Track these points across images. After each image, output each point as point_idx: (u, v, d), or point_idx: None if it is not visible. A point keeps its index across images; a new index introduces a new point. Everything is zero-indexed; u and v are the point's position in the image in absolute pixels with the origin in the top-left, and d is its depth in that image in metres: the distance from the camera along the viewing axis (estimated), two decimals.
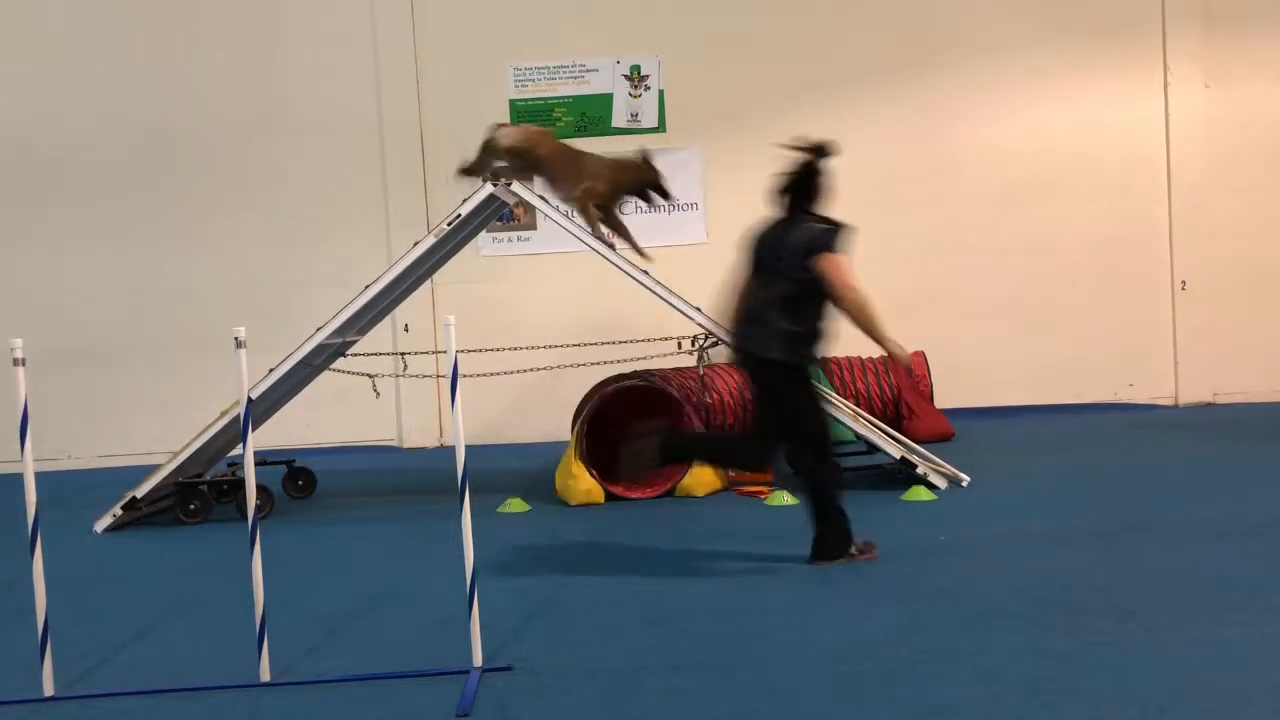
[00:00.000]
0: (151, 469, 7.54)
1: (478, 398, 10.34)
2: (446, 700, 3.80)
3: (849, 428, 7.36)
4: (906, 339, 10.02)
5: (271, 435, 8.57)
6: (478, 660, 4.07)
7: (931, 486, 7.02)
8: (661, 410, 7.63)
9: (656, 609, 4.81)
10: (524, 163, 7.31)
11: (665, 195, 7.45)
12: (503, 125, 7.77)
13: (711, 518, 6.80)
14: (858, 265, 10.42)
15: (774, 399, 5.37)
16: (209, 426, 7.34)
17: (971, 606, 4.62)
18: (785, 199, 5.50)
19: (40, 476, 4.19)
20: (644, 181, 7.36)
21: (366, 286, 7.27)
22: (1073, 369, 10.77)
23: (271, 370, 7.19)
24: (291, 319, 9.04)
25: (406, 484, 8.87)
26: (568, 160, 7.40)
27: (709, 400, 8.93)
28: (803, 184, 5.47)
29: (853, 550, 5.38)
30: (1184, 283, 10.75)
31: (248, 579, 4.09)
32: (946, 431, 9.39)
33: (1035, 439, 9.36)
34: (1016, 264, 10.74)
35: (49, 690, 4.04)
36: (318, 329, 7.20)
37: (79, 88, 10.76)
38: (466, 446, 4.14)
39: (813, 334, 5.39)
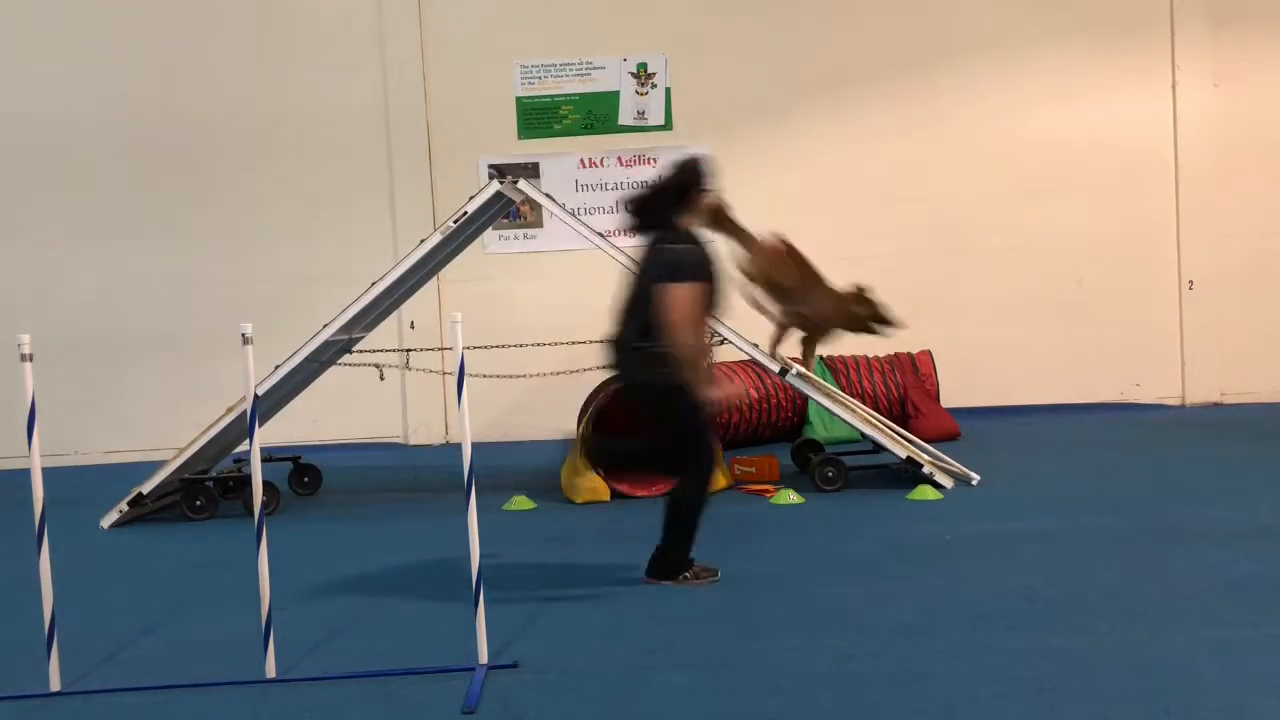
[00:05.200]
0: (158, 465, 7.55)
1: (483, 395, 10.37)
2: (452, 697, 3.80)
3: (855, 426, 7.36)
4: (913, 338, 10.14)
5: (278, 431, 8.59)
6: (483, 657, 4.07)
7: (938, 486, 7.01)
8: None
9: (662, 606, 4.81)
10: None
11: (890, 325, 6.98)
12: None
13: (717, 516, 6.76)
14: (869, 262, 10.48)
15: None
16: (215, 423, 7.34)
17: (978, 606, 4.61)
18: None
19: (46, 473, 4.20)
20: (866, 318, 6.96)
21: (373, 283, 7.27)
22: (1079, 368, 10.75)
23: (278, 367, 7.19)
24: (297, 315, 9.06)
25: (412, 481, 8.87)
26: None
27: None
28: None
29: (688, 575, 5.14)
30: (1191, 282, 10.72)
31: (253, 575, 4.09)
32: (952, 431, 9.37)
33: (1041, 438, 9.33)
34: (1023, 262, 10.72)
35: (55, 685, 4.05)
36: (324, 325, 7.19)
37: (86, 83, 10.77)
38: (472, 444, 4.14)
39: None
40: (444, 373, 10.17)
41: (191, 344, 10.57)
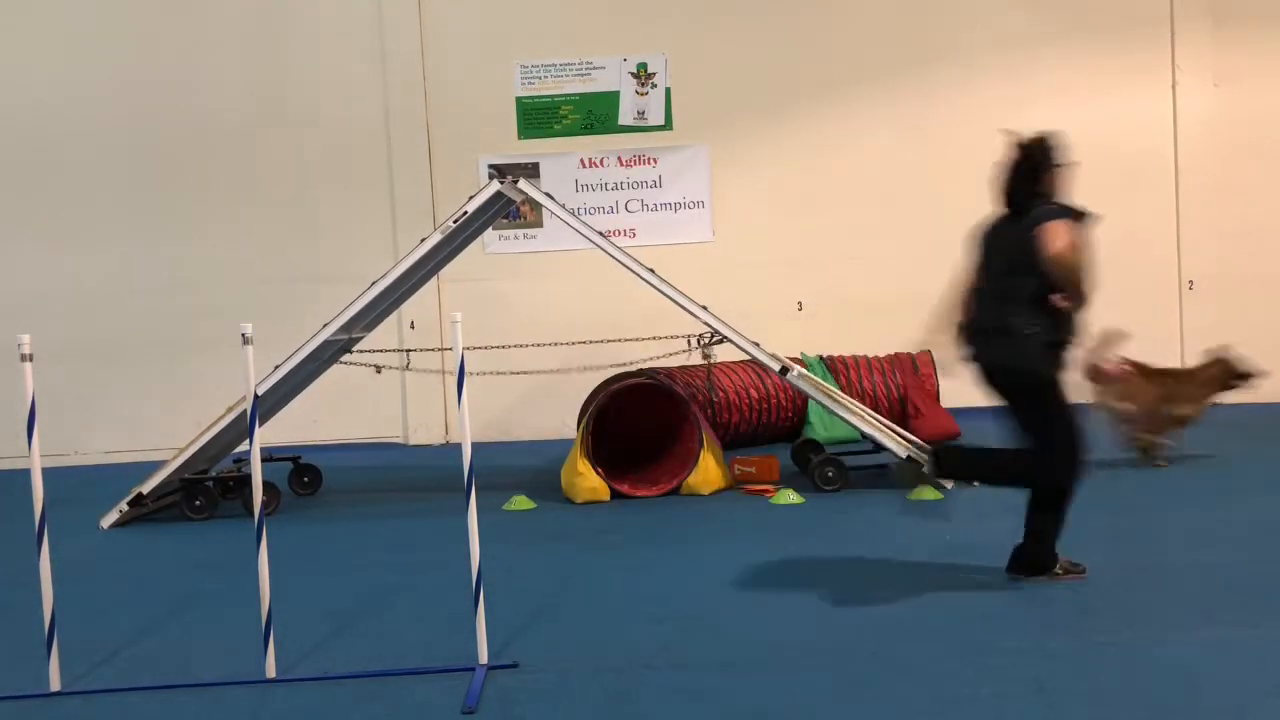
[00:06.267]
0: (157, 465, 7.55)
1: (483, 395, 10.37)
2: (452, 697, 3.80)
3: (855, 426, 7.36)
4: (912, 338, 10.12)
5: (278, 431, 8.57)
6: (483, 657, 4.07)
7: (938, 486, 7.00)
8: (666, 408, 7.64)
9: (662, 607, 4.81)
10: None
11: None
12: None
13: (717, 516, 6.79)
14: (869, 261, 10.45)
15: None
16: (215, 423, 7.34)
17: (978, 606, 4.61)
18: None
19: (46, 472, 4.20)
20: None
21: (373, 283, 7.27)
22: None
23: (277, 366, 7.19)
24: (295, 315, 9.09)
25: (412, 481, 8.86)
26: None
27: (716, 398, 8.94)
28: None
29: (1057, 569, 4.95)
30: (1191, 282, 10.73)
31: (253, 575, 4.09)
32: (952, 430, 9.33)
33: None
34: None
35: (55, 685, 4.05)
36: (324, 325, 7.19)
37: (87, 82, 10.77)
38: (472, 443, 4.14)
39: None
40: (444, 371, 10.19)
41: (191, 344, 10.57)
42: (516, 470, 8.74)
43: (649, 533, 6.41)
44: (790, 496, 7.00)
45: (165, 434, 10.43)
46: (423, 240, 7.25)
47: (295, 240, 10.73)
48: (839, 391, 7.83)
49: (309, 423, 10.14)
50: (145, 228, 10.79)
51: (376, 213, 10.76)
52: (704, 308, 7.24)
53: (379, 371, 7.98)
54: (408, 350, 8.56)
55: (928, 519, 6.39)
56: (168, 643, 4.67)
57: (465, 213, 7.14)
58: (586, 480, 7.27)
